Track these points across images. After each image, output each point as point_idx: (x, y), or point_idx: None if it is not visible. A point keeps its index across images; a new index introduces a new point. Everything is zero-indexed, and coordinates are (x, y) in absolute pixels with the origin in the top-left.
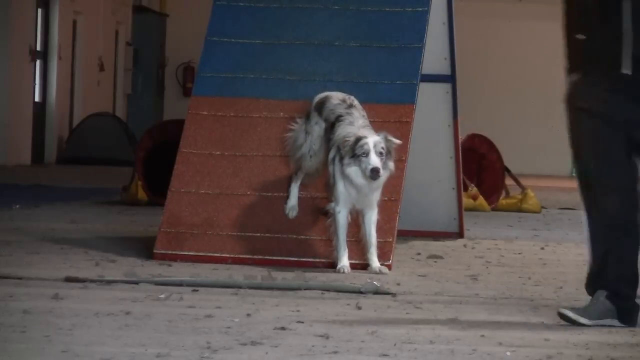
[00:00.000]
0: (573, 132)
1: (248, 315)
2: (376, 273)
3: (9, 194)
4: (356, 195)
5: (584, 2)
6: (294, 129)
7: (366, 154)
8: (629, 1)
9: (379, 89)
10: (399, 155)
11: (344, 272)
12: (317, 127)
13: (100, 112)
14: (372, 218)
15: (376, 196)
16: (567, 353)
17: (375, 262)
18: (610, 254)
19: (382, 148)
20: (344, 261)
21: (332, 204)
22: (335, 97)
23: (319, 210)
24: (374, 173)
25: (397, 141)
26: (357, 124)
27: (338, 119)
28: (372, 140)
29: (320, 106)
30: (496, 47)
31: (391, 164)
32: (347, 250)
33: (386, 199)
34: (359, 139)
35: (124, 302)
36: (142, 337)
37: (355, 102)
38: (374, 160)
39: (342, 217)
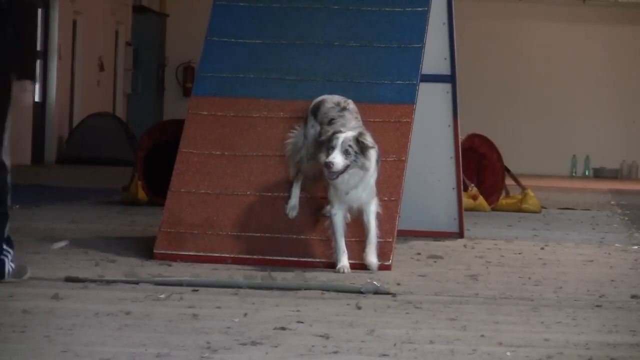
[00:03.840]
0: None
1: (248, 315)
2: (366, 268)
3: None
4: (343, 195)
5: None
6: (294, 133)
7: (333, 149)
8: None
9: (379, 89)
10: (398, 155)
11: (343, 272)
12: (313, 131)
13: (100, 112)
14: (370, 209)
15: (368, 193)
16: (567, 353)
17: (369, 257)
18: None
19: (350, 146)
20: (344, 261)
21: (329, 207)
22: (330, 100)
23: (319, 210)
24: (327, 167)
25: (370, 142)
26: (349, 126)
27: (330, 122)
28: (343, 136)
29: (316, 110)
30: (496, 47)
31: (367, 163)
32: (346, 251)
33: (386, 199)
34: (334, 133)
35: (124, 302)
36: (142, 337)
37: (350, 106)
38: (332, 155)
39: (338, 218)
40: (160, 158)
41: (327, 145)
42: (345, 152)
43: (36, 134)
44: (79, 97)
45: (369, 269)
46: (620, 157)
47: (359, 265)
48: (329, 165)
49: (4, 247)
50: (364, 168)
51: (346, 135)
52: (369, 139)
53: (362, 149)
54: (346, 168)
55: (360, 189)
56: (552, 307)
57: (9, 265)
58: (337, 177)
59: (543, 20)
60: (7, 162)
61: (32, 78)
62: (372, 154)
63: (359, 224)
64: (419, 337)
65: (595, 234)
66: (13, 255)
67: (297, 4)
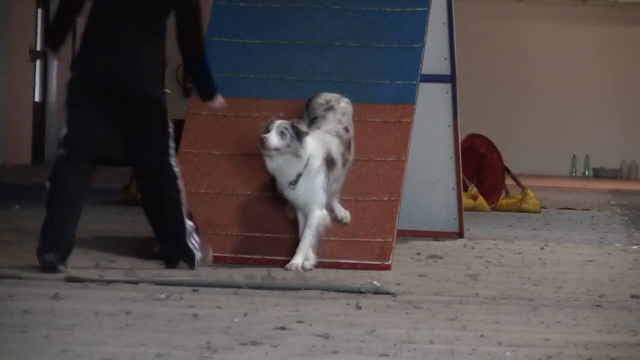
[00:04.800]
0: None
1: (248, 315)
2: (287, 270)
3: (9, 194)
4: (286, 188)
5: None
6: None
7: (269, 131)
8: None
9: (379, 89)
10: (398, 155)
11: (289, 270)
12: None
13: None
14: (311, 220)
15: (310, 195)
16: (567, 353)
17: (294, 259)
18: None
19: (286, 128)
20: (296, 259)
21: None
22: (323, 97)
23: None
24: (261, 143)
25: (304, 129)
26: (323, 128)
27: (313, 120)
28: (279, 121)
29: (308, 104)
30: (496, 47)
31: (301, 150)
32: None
33: (386, 199)
34: (271, 121)
35: (124, 302)
36: (142, 337)
37: (340, 105)
38: (268, 134)
39: (298, 218)
40: None
41: (265, 130)
42: (281, 134)
43: (36, 134)
44: None
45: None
46: (620, 157)
47: (359, 265)
48: (262, 140)
49: (194, 236)
50: (297, 155)
51: (282, 120)
52: (303, 127)
53: (298, 135)
54: (281, 149)
55: (301, 185)
56: (552, 307)
57: (198, 254)
58: (272, 152)
59: (543, 21)
60: (176, 168)
61: (215, 94)
62: (308, 142)
63: (356, 223)
64: (419, 337)
65: (595, 234)
66: (199, 242)
67: (297, 4)
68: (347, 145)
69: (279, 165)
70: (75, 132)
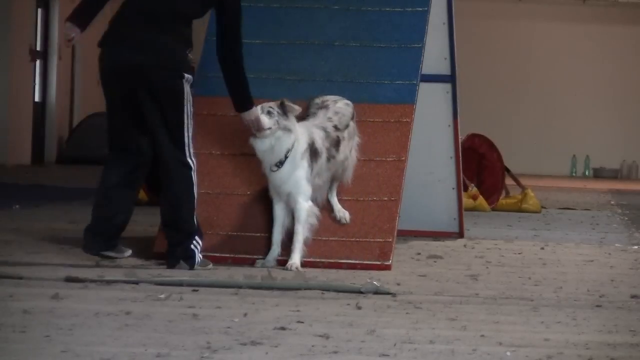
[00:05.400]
0: None
1: (248, 315)
2: (287, 270)
3: (9, 194)
4: (269, 172)
5: None
6: None
7: None
8: None
9: (379, 89)
10: (398, 155)
11: (258, 267)
12: None
13: (101, 112)
14: (299, 213)
15: (293, 184)
16: (567, 353)
17: (292, 258)
18: None
19: (271, 107)
20: (268, 256)
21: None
22: (322, 97)
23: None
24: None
25: (296, 106)
26: (310, 122)
27: (306, 117)
28: (262, 104)
29: (308, 104)
30: (496, 47)
31: (289, 124)
32: (275, 246)
33: (386, 199)
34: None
35: (124, 302)
36: (142, 337)
37: (336, 105)
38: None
39: (274, 210)
40: None
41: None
42: (268, 113)
43: (36, 134)
44: (79, 97)
45: (288, 270)
46: (620, 157)
47: (359, 265)
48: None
49: (196, 238)
50: (287, 129)
51: (265, 103)
52: (291, 103)
53: (284, 111)
54: (272, 127)
55: (286, 167)
56: (552, 307)
57: (198, 256)
58: (265, 133)
59: (543, 20)
60: (191, 161)
61: (252, 106)
62: (295, 122)
63: (356, 223)
64: (419, 337)
65: (595, 234)
66: (202, 246)
67: (297, 4)
68: (334, 143)
69: (270, 144)
70: (116, 138)
